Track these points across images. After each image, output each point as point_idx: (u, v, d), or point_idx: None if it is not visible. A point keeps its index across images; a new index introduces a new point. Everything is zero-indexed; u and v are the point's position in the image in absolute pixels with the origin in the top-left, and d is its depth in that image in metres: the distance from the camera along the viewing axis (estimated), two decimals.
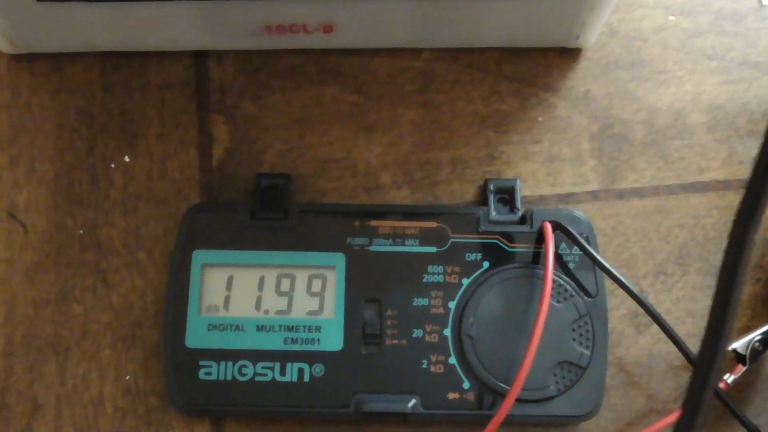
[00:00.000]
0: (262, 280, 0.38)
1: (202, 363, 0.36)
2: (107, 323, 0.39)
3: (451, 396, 0.36)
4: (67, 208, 0.40)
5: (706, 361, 0.21)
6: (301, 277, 0.38)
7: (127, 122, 0.41)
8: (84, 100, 0.41)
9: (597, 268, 0.38)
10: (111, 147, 0.41)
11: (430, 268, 0.38)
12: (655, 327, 0.37)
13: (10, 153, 0.41)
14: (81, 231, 0.40)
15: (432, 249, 0.38)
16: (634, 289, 0.36)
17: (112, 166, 0.40)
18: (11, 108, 0.41)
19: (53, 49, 0.42)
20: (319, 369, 0.37)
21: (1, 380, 0.38)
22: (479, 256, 0.38)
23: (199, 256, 0.38)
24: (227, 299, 0.37)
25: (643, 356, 0.39)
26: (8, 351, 0.38)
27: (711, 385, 0.22)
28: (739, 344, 0.36)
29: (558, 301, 0.37)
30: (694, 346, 0.37)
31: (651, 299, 0.39)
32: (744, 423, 0.36)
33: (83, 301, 0.39)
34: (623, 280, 0.36)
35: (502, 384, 0.36)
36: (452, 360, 0.37)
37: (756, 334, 0.37)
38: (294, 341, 0.37)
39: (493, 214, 0.39)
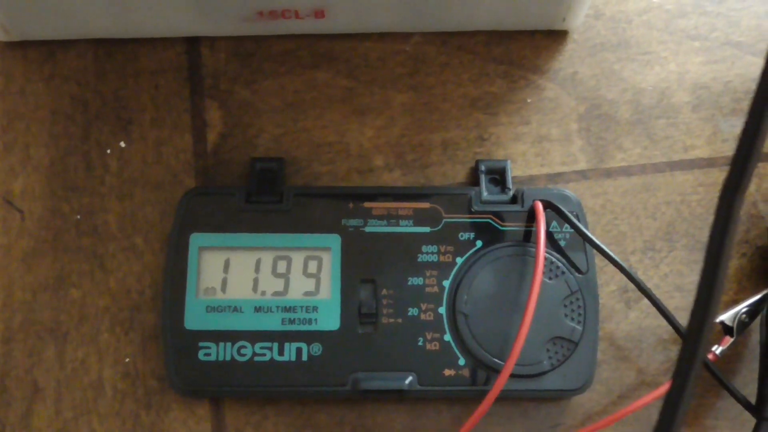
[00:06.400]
0: (258, 263, 0.38)
1: (201, 344, 0.37)
2: (105, 307, 0.39)
3: (447, 372, 0.37)
4: (63, 194, 0.40)
5: (695, 332, 0.22)
6: (297, 258, 0.38)
7: (121, 108, 0.41)
8: (77, 86, 0.42)
9: (587, 245, 0.38)
10: (105, 133, 0.41)
11: (424, 248, 0.38)
12: (644, 302, 0.38)
13: (4, 140, 0.41)
14: (78, 216, 0.40)
15: (426, 229, 0.39)
16: (624, 264, 0.37)
17: (108, 151, 0.41)
18: (5, 95, 0.41)
19: (46, 36, 0.42)
20: (316, 348, 0.37)
21: (0, 365, 0.38)
22: (472, 235, 0.39)
23: (196, 240, 0.38)
24: (224, 281, 0.38)
25: (633, 330, 0.40)
26: (7, 336, 0.38)
27: (700, 356, 0.22)
28: (726, 316, 0.37)
29: (550, 278, 0.38)
30: (682, 319, 0.38)
31: (640, 275, 0.40)
32: (732, 393, 0.37)
33: (81, 285, 0.39)
34: (613, 256, 0.37)
35: (496, 360, 0.37)
36: (447, 337, 0.37)
37: (742, 307, 0.38)
38: (291, 321, 0.37)
39: (485, 194, 0.40)
